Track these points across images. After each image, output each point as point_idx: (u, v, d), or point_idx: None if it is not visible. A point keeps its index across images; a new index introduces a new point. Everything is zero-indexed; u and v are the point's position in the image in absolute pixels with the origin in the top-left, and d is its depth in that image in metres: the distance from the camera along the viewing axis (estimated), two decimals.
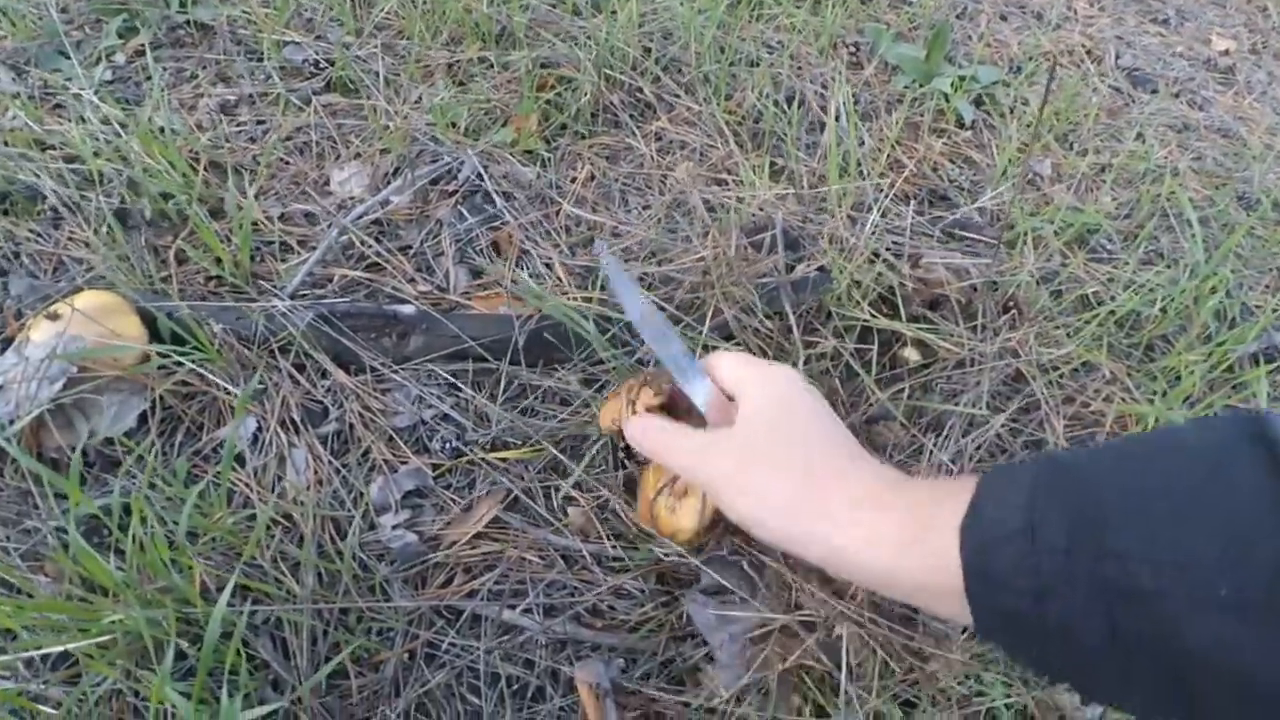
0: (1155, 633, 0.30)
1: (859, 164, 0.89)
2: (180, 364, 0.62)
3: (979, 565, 0.34)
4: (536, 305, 0.65)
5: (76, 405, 0.60)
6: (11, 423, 0.57)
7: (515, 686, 0.54)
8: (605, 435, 0.57)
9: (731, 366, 0.49)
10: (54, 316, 0.61)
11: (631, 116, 0.90)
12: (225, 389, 0.63)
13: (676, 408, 0.52)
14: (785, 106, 0.95)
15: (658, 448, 0.48)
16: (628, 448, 0.56)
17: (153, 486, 0.57)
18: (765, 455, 0.44)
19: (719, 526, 0.56)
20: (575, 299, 0.69)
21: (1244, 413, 0.36)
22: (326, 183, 0.82)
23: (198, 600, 0.50)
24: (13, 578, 0.53)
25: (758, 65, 1.00)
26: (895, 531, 0.38)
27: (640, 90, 0.93)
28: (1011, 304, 0.83)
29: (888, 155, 0.93)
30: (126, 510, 0.56)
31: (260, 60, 0.95)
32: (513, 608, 0.56)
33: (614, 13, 0.99)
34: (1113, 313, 0.83)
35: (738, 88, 0.97)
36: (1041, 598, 0.32)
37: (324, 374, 0.65)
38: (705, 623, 0.55)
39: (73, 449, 0.59)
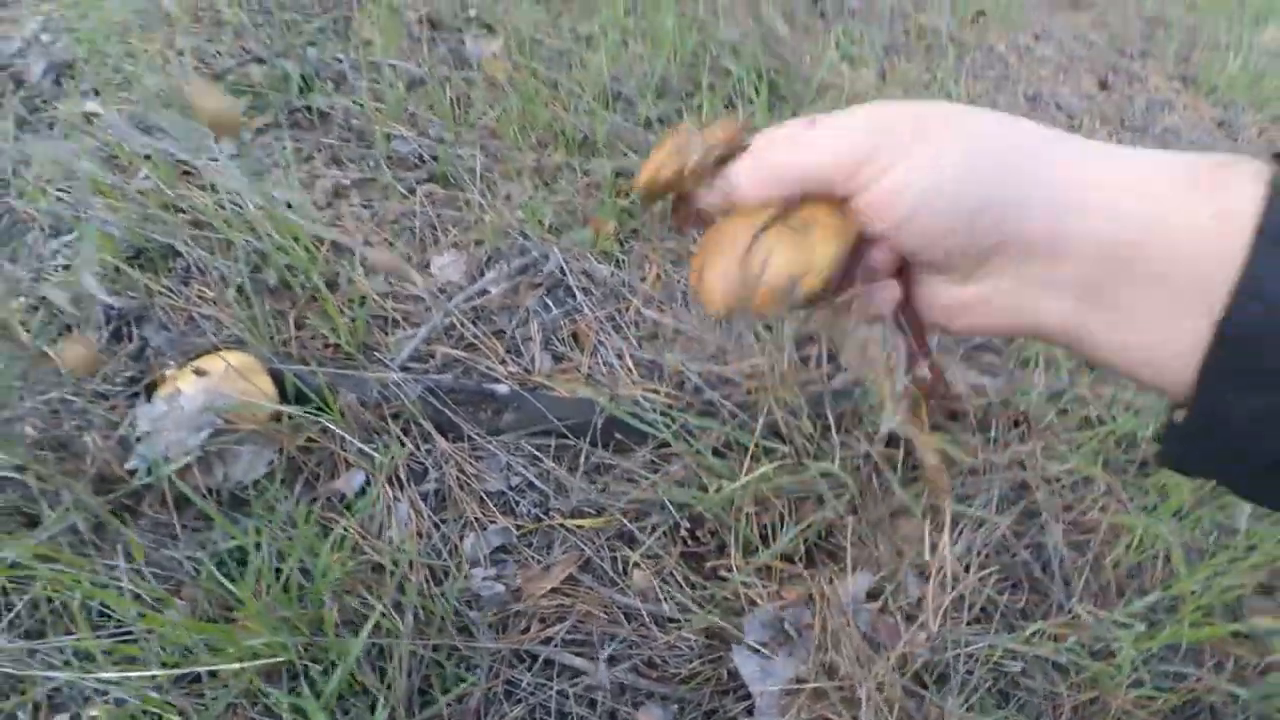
0: None
1: None
2: (310, 421, 0.73)
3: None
4: (606, 407, 0.76)
5: (218, 453, 0.70)
6: (167, 461, 0.67)
7: None
8: (646, 195, 0.38)
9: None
10: (201, 372, 0.72)
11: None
12: (343, 446, 0.73)
13: None
14: None
15: (799, 158, 0.33)
16: (680, 210, 0.40)
17: (280, 527, 0.67)
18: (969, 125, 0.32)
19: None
20: (641, 390, 0.80)
21: None
22: (427, 265, 0.93)
23: (332, 630, 0.59)
24: (151, 601, 0.62)
25: None
26: (1179, 172, 0.29)
27: None
28: (1022, 419, 0.93)
29: None
30: (255, 547, 0.66)
31: (370, 148, 1.08)
32: (581, 655, 0.65)
33: None
34: (1112, 432, 0.93)
35: None
36: None
37: (427, 438, 0.75)
38: (750, 673, 0.64)
39: (212, 490, 0.69)
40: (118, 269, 0.89)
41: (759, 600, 0.69)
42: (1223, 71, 2.08)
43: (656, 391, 0.79)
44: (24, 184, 1.01)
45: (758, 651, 0.65)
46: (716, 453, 0.74)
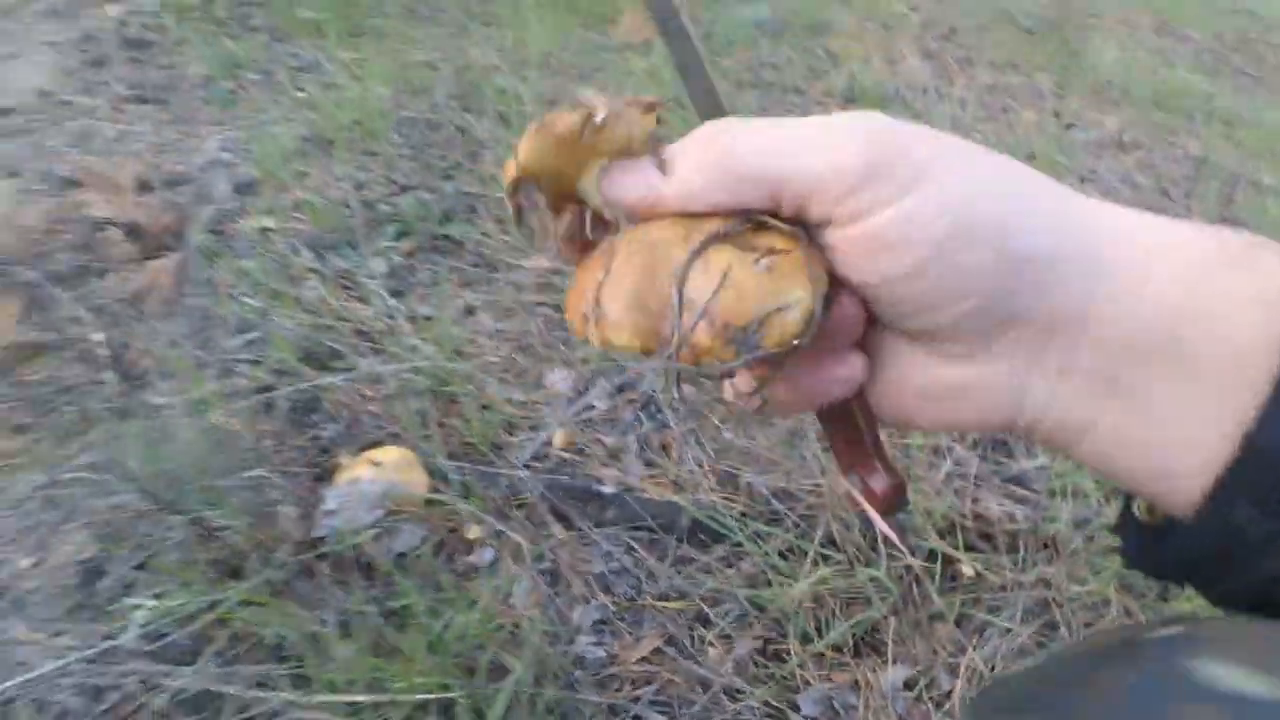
0: None
1: None
2: (452, 508, 0.91)
3: None
4: (690, 511, 0.92)
5: (385, 528, 0.88)
6: (350, 534, 0.86)
7: None
8: (520, 181, 0.28)
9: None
10: (375, 464, 0.91)
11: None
12: (477, 526, 0.91)
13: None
14: None
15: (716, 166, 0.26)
16: (565, 211, 0.30)
17: (430, 591, 0.84)
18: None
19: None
20: (720, 497, 0.96)
21: None
22: (541, 377, 1.12)
23: (485, 676, 0.76)
24: (325, 640, 0.80)
25: None
26: (1210, 245, 0.25)
27: None
28: (1049, 543, 1.06)
29: None
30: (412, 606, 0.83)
31: (495, 273, 1.30)
32: (664, 715, 0.80)
33: None
34: None
35: None
36: None
37: (544, 526, 0.92)
38: None
39: (376, 558, 0.87)
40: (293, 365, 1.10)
41: (812, 681, 0.83)
42: (1265, 214, 2.21)
43: (732, 499, 0.95)
44: (213, 288, 1.25)
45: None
46: (781, 555, 0.90)
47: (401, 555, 0.88)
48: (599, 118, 0.26)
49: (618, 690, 0.82)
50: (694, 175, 0.26)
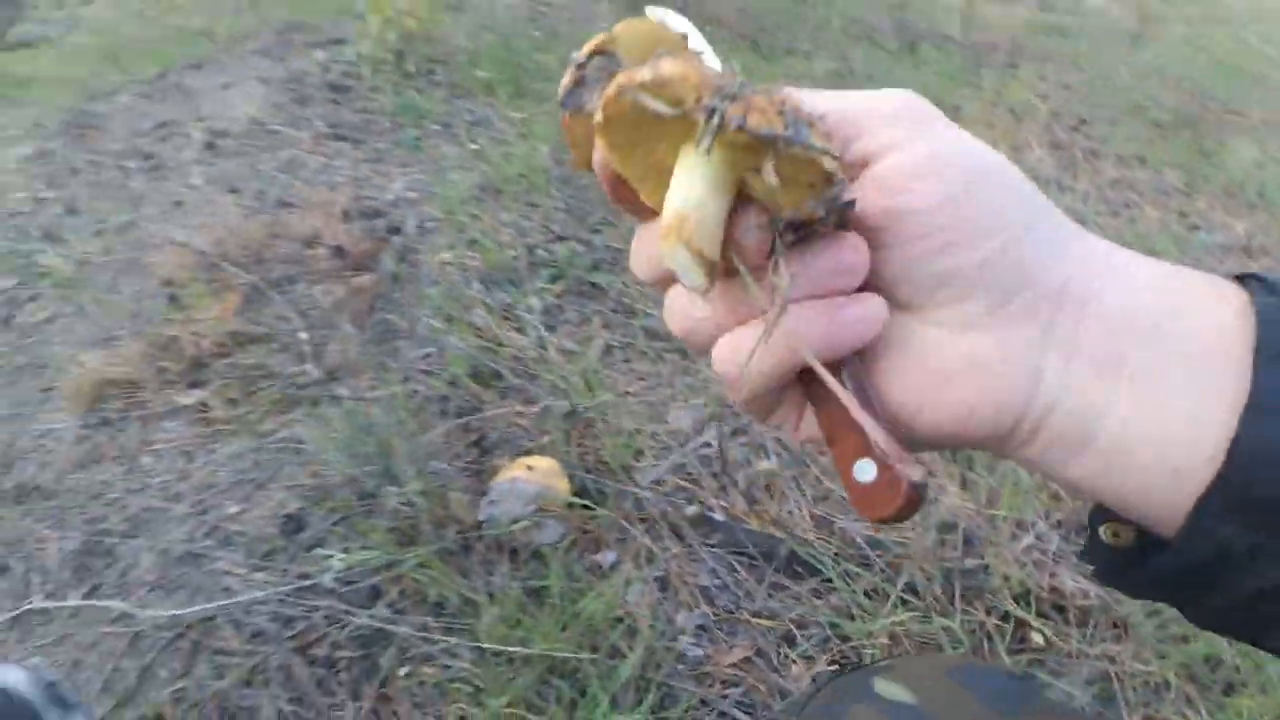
0: None
1: (1027, 490, 1.26)
2: (588, 514, 1.08)
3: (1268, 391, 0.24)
4: (789, 543, 1.06)
5: (534, 522, 1.06)
6: (513, 522, 1.04)
7: None
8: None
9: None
10: (530, 468, 1.09)
11: None
12: (605, 532, 1.07)
13: None
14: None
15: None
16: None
17: (566, 578, 1.01)
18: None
19: None
20: (815, 536, 1.10)
21: None
22: (666, 413, 1.29)
23: (606, 654, 0.91)
24: (476, 601, 0.97)
25: None
26: (1186, 274, 0.28)
27: None
28: (1119, 622, 1.14)
29: (1050, 490, 1.30)
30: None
31: (632, 319, 1.48)
32: (748, 715, 0.93)
33: None
34: (1203, 651, 1.12)
35: None
36: None
37: (661, 539, 1.08)
38: None
39: (523, 546, 1.05)
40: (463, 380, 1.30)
41: None
42: None
43: (826, 540, 1.09)
44: (400, 307, 1.48)
45: None
46: (866, 594, 1.02)
47: (543, 547, 1.05)
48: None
49: (710, 686, 0.95)
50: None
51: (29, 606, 1.16)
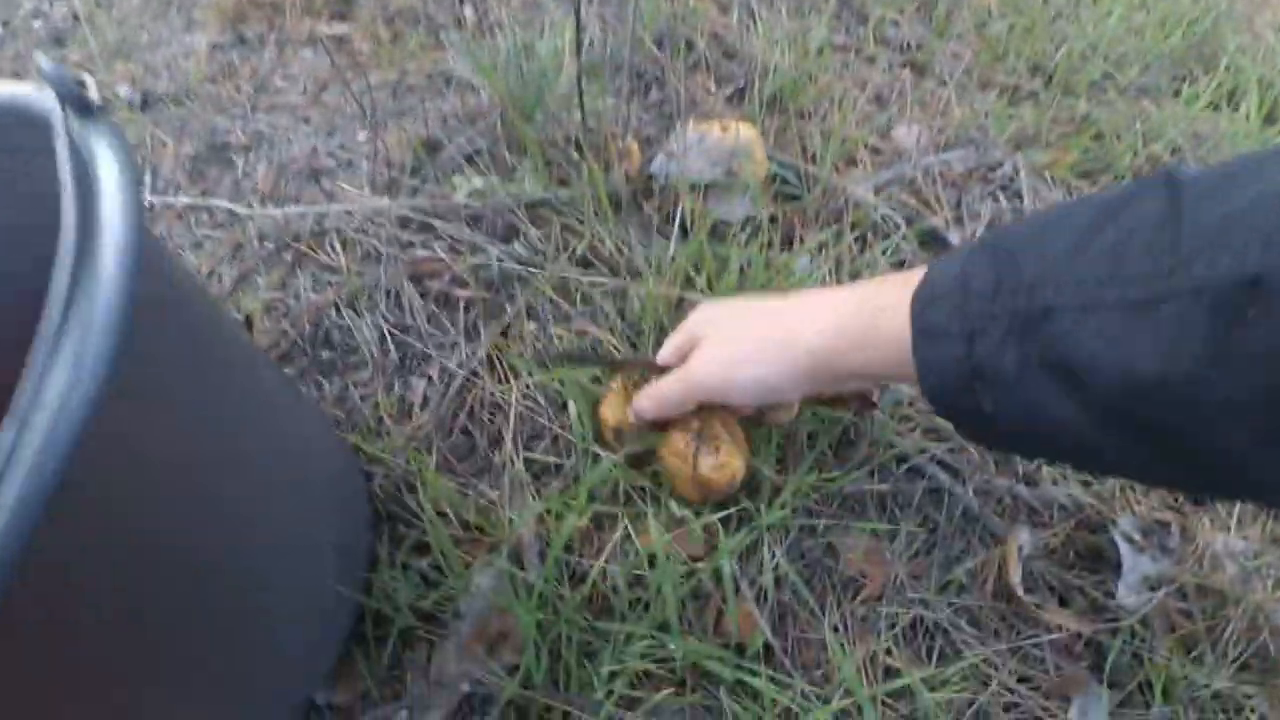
0: (1058, 351, 0.33)
1: None
2: (787, 197, 0.83)
3: (922, 321, 0.38)
4: None
5: (716, 190, 0.83)
6: (694, 186, 0.81)
7: None
8: (607, 432, 0.64)
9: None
10: (727, 129, 0.85)
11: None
12: (802, 225, 0.84)
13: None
14: None
15: (666, 397, 0.56)
16: (620, 436, 0.63)
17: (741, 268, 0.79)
18: (732, 329, 0.53)
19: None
20: None
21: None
22: (890, 130, 1.01)
23: None
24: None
25: None
26: (853, 310, 0.44)
27: None
28: None
29: None
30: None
31: (865, 24, 1.17)
32: (952, 475, 0.71)
33: None
34: None
35: None
36: (970, 339, 0.35)
37: (870, 252, 0.83)
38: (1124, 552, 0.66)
39: (699, 217, 0.82)
40: None
41: (1132, 508, 0.71)
42: None
43: None
44: None
45: (1131, 542, 0.67)
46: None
47: (724, 225, 0.83)
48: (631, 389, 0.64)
49: (910, 431, 0.73)
50: (651, 410, 0.60)
51: None
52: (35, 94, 0.47)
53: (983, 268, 0.36)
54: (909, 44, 1.14)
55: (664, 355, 0.59)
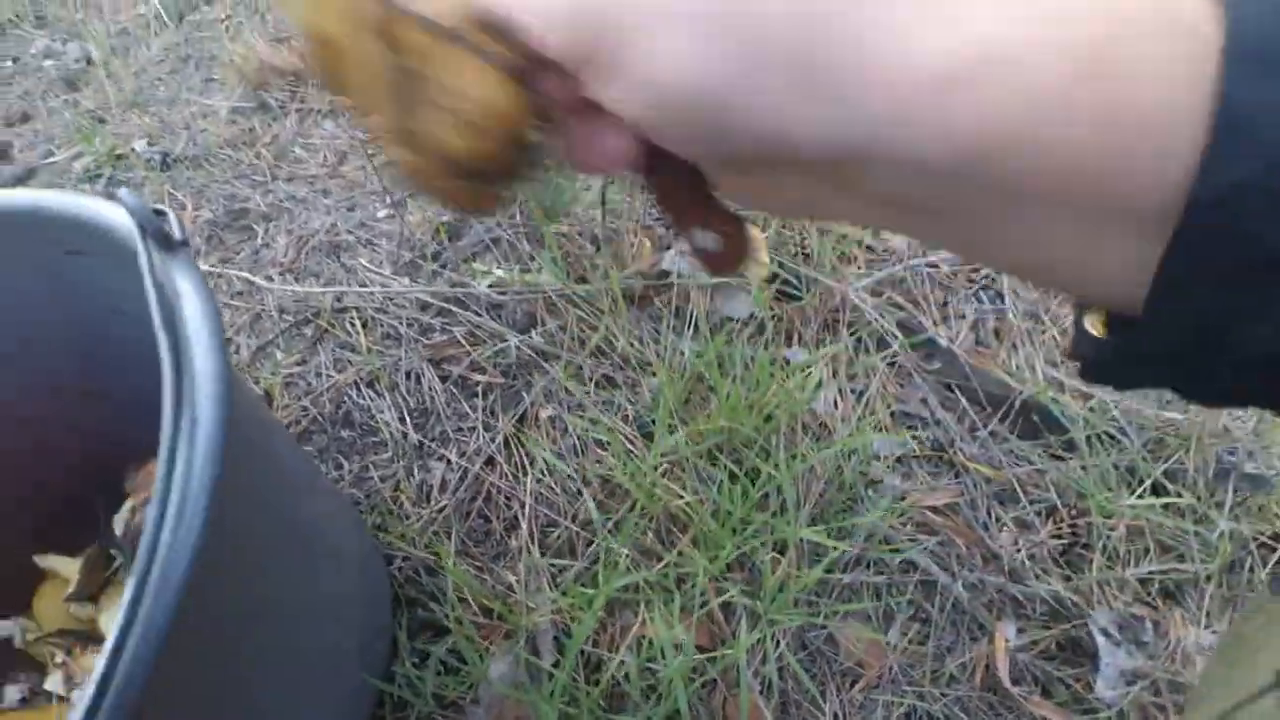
0: None
1: None
2: (788, 297, 0.89)
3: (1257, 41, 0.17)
4: (1032, 390, 0.85)
5: (724, 287, 0.88)
6: (698, 282, 0.86)
7: None
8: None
9: None
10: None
11: None
12: (803, 324, 0.89)
13: None
14: None
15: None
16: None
17: (744, 362, 0.84)
18: None
19: None
20: (1052, 394, 0.89)
21: None
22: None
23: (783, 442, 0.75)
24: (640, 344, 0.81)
25: None
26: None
27: None
28: None
29: None
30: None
31: None
32: (941, 568, 0.76)
33: None
34: None
35: None
36: None
37: (860, 343, 0.89)
38: (1106, 659, 0.71)
39: (705, 314, 0.88)
40: None
41: (1109, 602, 0.76)
42: None
43: (1071, 399, 0.88)
44: None
45: (1108, 636, 0.72)
46: (1115, 467, 0.81)
47: (727, 319, 0.88)
48: None
49: (903, 525, 0.78)
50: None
51: None
52: (112, 214, 0.51)
53: None
54: None
55: None
